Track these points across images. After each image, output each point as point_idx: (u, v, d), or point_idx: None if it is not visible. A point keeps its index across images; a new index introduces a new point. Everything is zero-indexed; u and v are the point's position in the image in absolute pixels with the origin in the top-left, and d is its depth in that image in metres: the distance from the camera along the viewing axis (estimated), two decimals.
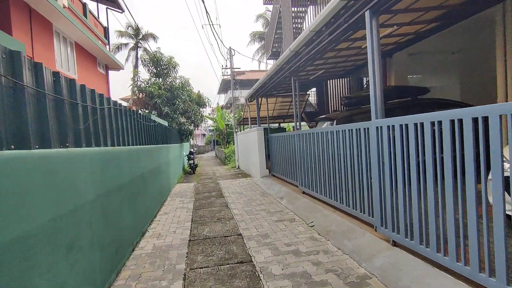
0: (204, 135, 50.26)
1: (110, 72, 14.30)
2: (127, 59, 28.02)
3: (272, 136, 9.08)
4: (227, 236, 4.38)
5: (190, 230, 4.75)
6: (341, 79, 11.18)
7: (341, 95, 10.48)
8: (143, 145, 5.39)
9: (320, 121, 6.66)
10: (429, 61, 8.62)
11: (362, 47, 6.43)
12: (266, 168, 9.64)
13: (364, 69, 10.32)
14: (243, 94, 36.25)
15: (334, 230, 4.07)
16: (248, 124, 12.05)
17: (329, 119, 6.07)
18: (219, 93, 43.20)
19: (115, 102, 3.85)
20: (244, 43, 46.47)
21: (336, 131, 4.45)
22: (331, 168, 4.75)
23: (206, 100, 15.06)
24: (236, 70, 15.71)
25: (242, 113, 12.84)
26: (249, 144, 11.09)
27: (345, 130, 4.18)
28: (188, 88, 15.03)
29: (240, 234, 4.42)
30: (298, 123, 6.41)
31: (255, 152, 9.77)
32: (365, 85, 10.54)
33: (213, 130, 34.21)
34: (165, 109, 13.06)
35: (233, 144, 22.54)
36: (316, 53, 5.62)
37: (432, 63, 8.81)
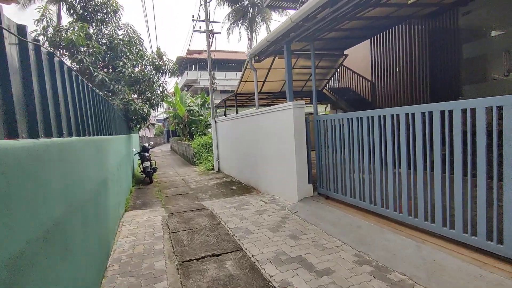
0: (153, 124, 42.81)
1: None
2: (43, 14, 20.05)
3: (331, 119, 4.46)
4: None
5: None
6: (401, 27, 7.10)
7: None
8: None
9: None
10: None
11: None
12: (309, 183, 5.03)
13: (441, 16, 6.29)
14: (202, 76, 30.33)
15: None
16: (255, 102, 7.15)
17: None
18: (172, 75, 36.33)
19: None
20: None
21: None
22: None
23: (172, 64, 9.53)
24: (214, 23, 10.48)
25: (238, 84, 7.89)
26: (258, 135, 6.29)
27: None
28: (138, 47, 9.44)
29: None
30: None
31: (287, 150, 5.08)
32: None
33: (167, 118, 28.00)
34: (99, 75, 7.40)
35: (201, 136, 17.27)
36: None
37: None
